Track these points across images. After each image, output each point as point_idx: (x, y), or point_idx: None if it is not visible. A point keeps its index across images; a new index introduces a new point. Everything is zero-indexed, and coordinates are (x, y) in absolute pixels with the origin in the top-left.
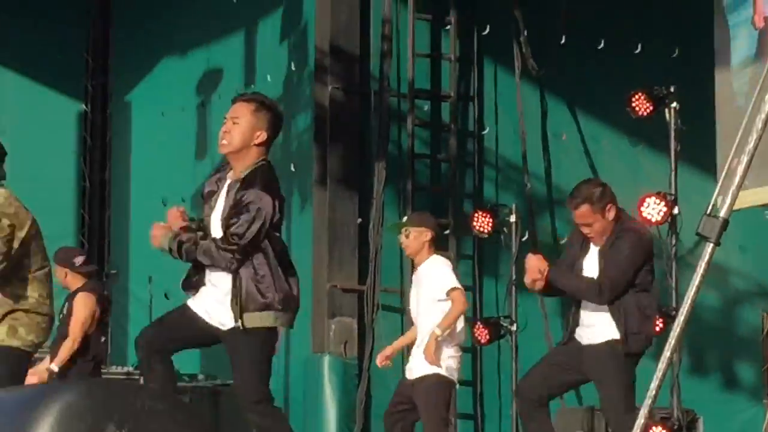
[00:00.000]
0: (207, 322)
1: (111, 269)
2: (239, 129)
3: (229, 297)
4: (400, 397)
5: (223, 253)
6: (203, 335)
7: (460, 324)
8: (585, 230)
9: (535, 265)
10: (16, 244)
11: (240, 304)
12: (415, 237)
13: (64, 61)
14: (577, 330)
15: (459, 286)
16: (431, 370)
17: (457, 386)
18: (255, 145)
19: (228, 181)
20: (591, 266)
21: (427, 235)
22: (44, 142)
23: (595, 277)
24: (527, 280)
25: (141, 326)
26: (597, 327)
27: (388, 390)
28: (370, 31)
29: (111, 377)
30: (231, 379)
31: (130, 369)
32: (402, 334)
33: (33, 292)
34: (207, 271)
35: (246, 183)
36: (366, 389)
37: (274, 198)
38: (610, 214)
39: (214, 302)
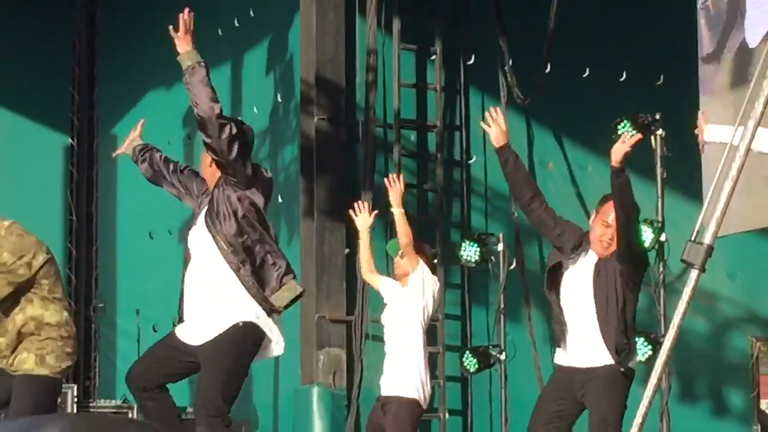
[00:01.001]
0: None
1: (98, 303)
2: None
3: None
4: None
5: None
6: (185, 362)
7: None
8: (604, 230)
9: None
10: (23, 271)
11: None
12: (408, 260)
13: (49, 95)
14: (566, 352)
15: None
16: (404, 393)
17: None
18: None
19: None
20: (584, 273)
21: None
22: (30, 176)
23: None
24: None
25: (129, 359)
26: (587, 349)
27: None
28: (356, 62)
29: (98, 411)
30: None
31: (119, 402)
32: None
33: (56, 315)
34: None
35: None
36: (355, 420)
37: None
38: None
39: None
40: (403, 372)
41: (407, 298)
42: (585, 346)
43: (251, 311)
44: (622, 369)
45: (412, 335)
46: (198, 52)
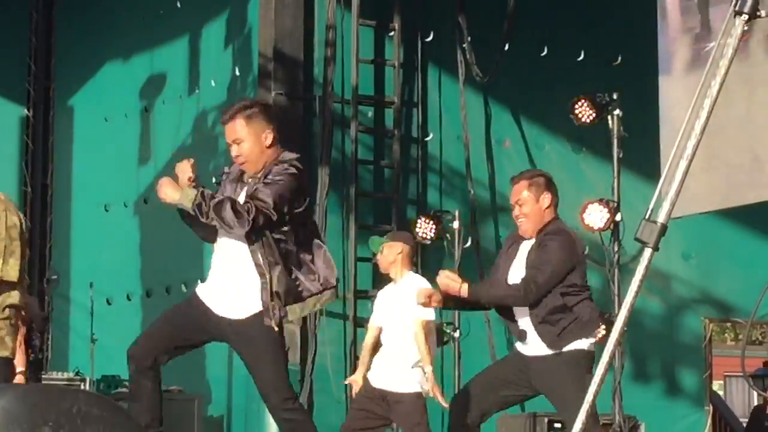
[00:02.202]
0: (215, 314)
1: (52, 275)
2: (248, 147)
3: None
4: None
5: (237, 212)
6: (203, 333)
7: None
8: (516, 212)
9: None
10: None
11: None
12: (386, 252)
13: (5, 65)
14: (517, 342)
15: (433, 318)
16: (411, 388)
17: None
18: (267, 147)
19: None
20: (519, 266)
21: (399, 248)
22: None
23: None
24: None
25: (81, 332)
26: (536, 338)
27: (329, 396)
28: (314, 36)
29: (49, 383)
30: (175, 385)
31: (71, 375)
32: (344, 340)
33: (22, 298)
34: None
35: (266, 170)
36: (308, 395)
37: (302, 174)
38: (544, 202)
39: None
40: (411, 368)
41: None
42: (526, 334)
43: None
44: (559, 351)
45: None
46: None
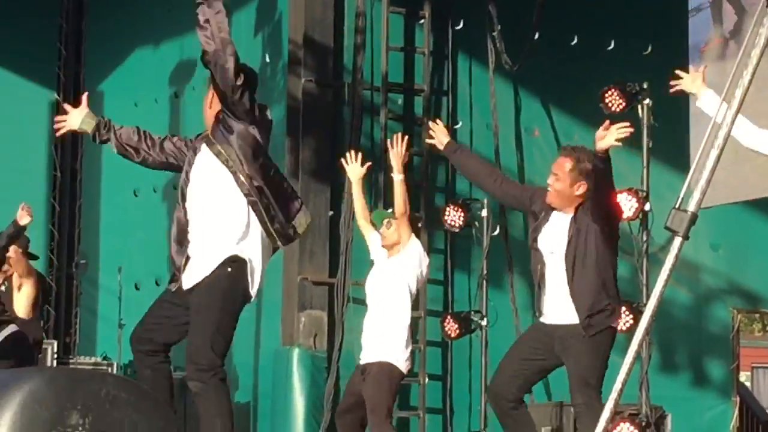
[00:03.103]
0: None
1: (81, 259)
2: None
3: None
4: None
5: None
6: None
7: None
8: (550, 180)
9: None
10: None
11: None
12: (395, 229)
13: (36, 50)
14: (544, 310)
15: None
16: (380, 357)
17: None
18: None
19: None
20: (557, 232)
21: (395, 225)
22: (15, 131)
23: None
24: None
25: (109, 316)
26: (565, 306)
27: None
28: (344, 24)
29: (77, 367)
30: None
31: (98, 359)
32: None
33: None
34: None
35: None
36: (335, 382)
37: None
38: (577, 190)
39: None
40: (387, 340)
41: (400, 270)
42: (558, 304)
43: (247, 248)
44: (592, 333)
45: (401, 307)
46: None
